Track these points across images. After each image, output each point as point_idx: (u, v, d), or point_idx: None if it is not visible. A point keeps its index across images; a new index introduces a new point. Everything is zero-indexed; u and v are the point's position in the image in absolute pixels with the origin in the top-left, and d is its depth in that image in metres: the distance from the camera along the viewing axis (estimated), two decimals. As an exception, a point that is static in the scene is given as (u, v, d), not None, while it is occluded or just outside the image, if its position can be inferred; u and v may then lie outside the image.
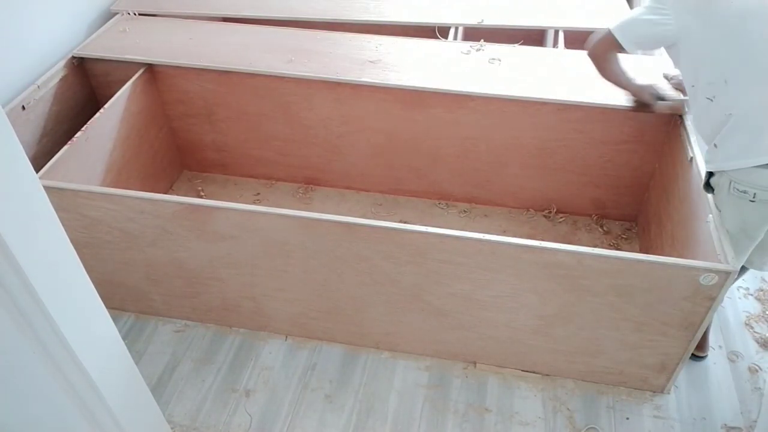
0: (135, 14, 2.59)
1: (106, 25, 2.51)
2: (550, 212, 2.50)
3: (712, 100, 1.56)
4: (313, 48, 2.34)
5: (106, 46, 2.37)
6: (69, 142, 1.99)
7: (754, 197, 1.53)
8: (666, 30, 1.62)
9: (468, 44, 2.38)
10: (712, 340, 2.05)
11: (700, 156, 1.87)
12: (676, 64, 1.71)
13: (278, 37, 2.43)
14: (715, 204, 1.66)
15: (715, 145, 1.58)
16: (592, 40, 1.79)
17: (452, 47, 2.39)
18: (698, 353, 1.99)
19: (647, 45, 1.75)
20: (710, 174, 1.63)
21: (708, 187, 1.66)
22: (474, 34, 2.61)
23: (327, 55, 2.32)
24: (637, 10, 1.71)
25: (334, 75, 2.21)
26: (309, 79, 2.23)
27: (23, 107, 2.13)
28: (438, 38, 2.50)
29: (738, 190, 1.55)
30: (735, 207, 1.59)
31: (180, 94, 2.42)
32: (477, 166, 2.40)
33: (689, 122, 2.01)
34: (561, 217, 2.49)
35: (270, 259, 1.82)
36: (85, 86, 2.43)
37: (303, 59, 2.28)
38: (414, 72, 2.23)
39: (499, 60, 2.28)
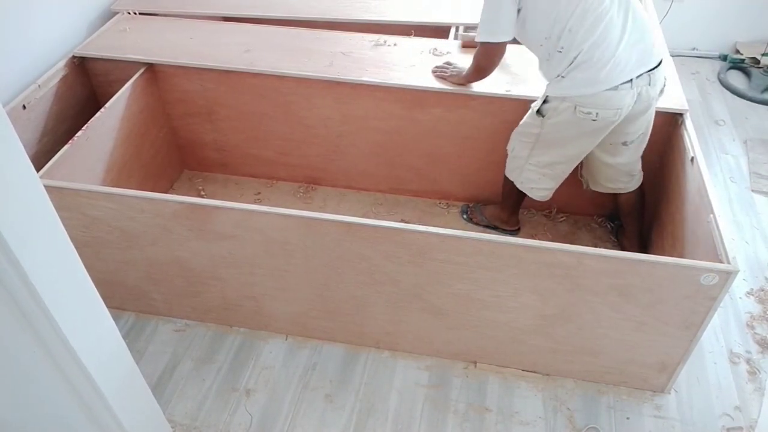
0: (135, 14, 2.59)
1: (107, 24, 2.51)
2: (550, 212, 2.50)
3: (561, 51, 1.79)
4: (314, 47, 2.34)
5: (106, 46, 2.37)
6: (69, 141, 1.99)
7: (596, 116, 1.81)
8: (514, 6, 1.81)
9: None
10: (713, 340, 2.05)
11: (700, 156, 1.87)
12: (522, 32, 1.88)
13: (279, 37, 2.43)
14: (541, 133, 1.94)
15: (562, 77, 1.82)
16: (479, 62, 2.00)
17: (451, 45, 2.39)
18: (506, 227, 2.35)
19: (513, 28, 1.87)
20: (545, 101, 1.88)
21: (539, 113, 1.91)
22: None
23: (327, 54, 2.32)
24: (483, 11, 1.85)
25: (334, 75, 2.21)
26: (309, 78, 2.23)
27: (24, 106, 2.13)
28: (439, 37, 2.50)
29: (583, 112, 1.81)
30: (577, 126, 1.86)
31: (180, 93, 2.42)
32: (478, 166, 2.40)
33: (689, 122, 2.02)
34: (561, 217, 2.49)
35: (270, 258, 1.82)
36: (86, 86, 2.44)
37: (303, 58, 2.28)
38: (414, 71, 2.23)
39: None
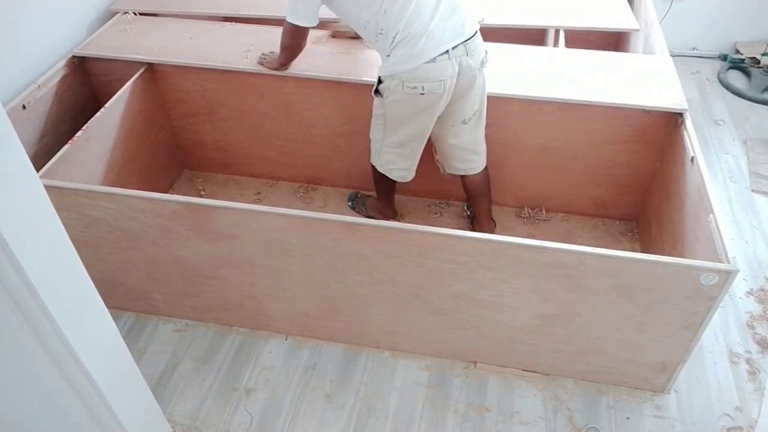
0: (135, 14, 2.59)
1: (107, 24, 2.51)
2: (550, 211, 2.50)
3: (382, 33, 1.88)
4: (313, 48, 2.34)
5: (106, 46, 2.37)
6: (69, 141, 1.99)
7: (423, 90, 1.87)
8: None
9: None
10: (713, 340, 2.05)
11: (700, 156, 1.87)
12: (345, 19, 2.00)
13: (278, 37, 2.43)
14: (386, 114, 2.00)
15: (388, 56, 1.90)
16: (285, 41, 2.10)
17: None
18: (385, 217, 2.40)
19: (315, 17, 1.99)
20: (380, 81, 1.95)
21: (377, 92, 1.98)
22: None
23: (326, 54, 2.31)
24: None
25: (334, 75, 2.21)
26: (310, 78, 2.23)
27: (24, 106, 2.13)
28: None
29: (410, 87, 1.88)
30: (410, 103, 1.92)
31: (181, 93, 2.42)
32: (477, 166, 2.40)
33: (689, 122, 2.02)
34: (562, 217, 2.49)
35: (271, 258, 1.82)
36: (86, 85, 2.44)
37: (303, 58, 2.27)
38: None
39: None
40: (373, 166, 2.22)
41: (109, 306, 1.28)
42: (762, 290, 2.22)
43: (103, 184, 2.12)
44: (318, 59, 2.28)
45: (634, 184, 2.31)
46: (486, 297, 1.76)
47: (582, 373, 1.93)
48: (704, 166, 1.82)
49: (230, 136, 2.54)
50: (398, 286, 1.80)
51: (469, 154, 2.16)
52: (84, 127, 2.05)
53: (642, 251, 2.29)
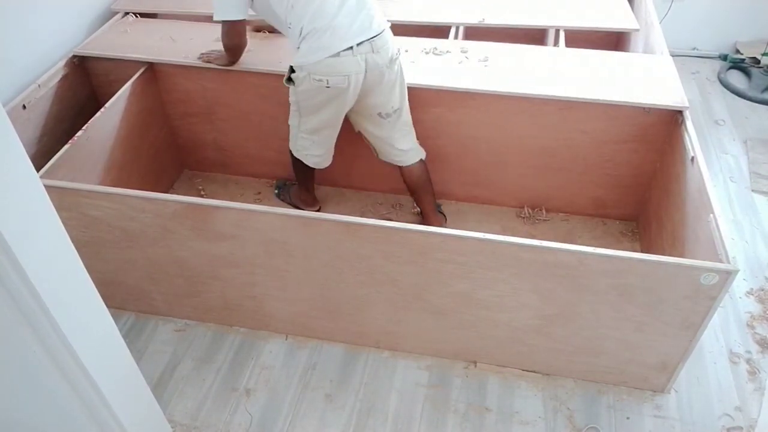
0: (136, 15, 2.59)
1: (107, 24, 2.51)
2: (550, 211, 2.50)
3: (291, 27, 1.95)
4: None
5: (106, 45, 2.37)
6: (70, 141, 1.99)
7: (328, 83, 1.92)
8: None
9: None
10: (713, 340, 2.05)
11: (700, 155, 1.87)
12: (261, 13, 2.07)
13: (279, 37, 2.43)
14: (298, 101, 2.05)
15: (298, 48, 1.96)
16: (224, 41, 2.14)
17: (451, 44, 2.39)
18: (306, 207, 2.46)
19: (244, 8, 2.04)
20: (292, 70, 1.98)
21: (290, 80, 2.01)
22: (475, 32, 2.61)
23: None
24: None
25: None
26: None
27: (24, 106, 2.13)
28: (439, 37, 2.50)
29: (315, 79, 1.93)
30: (319, 93, 1.97)
31: (181, 93, 2.42)
32: (478, 165, 2.40)
33: (689, 121, 2.02)
34: (562, 217, 2.49)
35: (270, 258, 1.82)
36: (86, 85, 2.44)
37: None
38: (414, 71, 2.22)
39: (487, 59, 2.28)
40: (291, 153, 2.26)
41: (109, 306, 1.28)
42: (762, 290, 2.22)
43: (103, 184, 2.12)
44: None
45: (635, 183, 2.31)
46: (486, 297, 1.76)
47: (582, 373, 1.93)
48: (704, 166, 1.82)
49: (230, 136, 2.53)
50: (398, 286, 1.80)
51: (391, 148, 2.19)
52: (84, 127, 2.05)
53: (642, 251, 2.29)
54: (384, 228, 1.66)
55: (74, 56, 2.35)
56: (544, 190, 2.43)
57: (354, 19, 1.90)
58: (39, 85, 2.20)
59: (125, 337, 1.73)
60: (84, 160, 2.04)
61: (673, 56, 2.33)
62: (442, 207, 2.52)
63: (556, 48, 2.41)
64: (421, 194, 2.33)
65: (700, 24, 3.44)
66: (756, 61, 3.39)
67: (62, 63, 2.31)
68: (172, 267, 1.94)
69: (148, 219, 1.80)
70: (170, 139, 2.58)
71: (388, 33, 1.98)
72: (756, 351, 2.03)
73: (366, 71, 1.94)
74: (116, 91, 2.22)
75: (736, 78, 3.36)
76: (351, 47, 1.89)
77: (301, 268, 1.83)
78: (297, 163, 2.29)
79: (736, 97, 3.23)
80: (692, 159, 1.89)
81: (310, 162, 2.25)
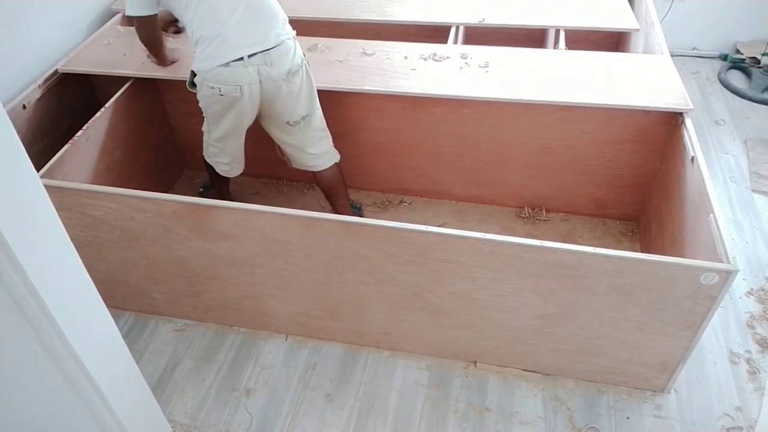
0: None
1: (106, 25, 2.51)
2: (550, 211, 2.50)
3: (186, 30, 1.94)
4: (312, 57, 2.31)
5: (90, 62, 2.36)
6: (70, 141, 1.99)
7: (221, 91, 1.90)
8: None
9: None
10: (713, 340, 2.05)
11: (701, 155, 1.87)
12: (170, 12, 2.05)
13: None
14: (202, 107, 2.02)
15: (194, 52, 1.93)
16: (139, 37, 2.09)
17: (450, 49, 2.38)
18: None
19: (153, 3, 1.98)
20: (194, 74, 1.96)
21: (192, 84, 2.00)
22: (475, 33, 2.61)
23: (326, 63, 2.30)
24: None
25: (335, 84, 2.19)
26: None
27: (24, 106, 2.13)
28: (438, 37, 2.50)
29: (209, 86, 1.91)
30: (215, 100, 1.95)
31: (180, 93, 2.41)
32: (478, 166, 2.40)
33: (689, 121, 2.01)
34: (562, 217, 2.49)
35: (270, 258, 1.82)
36: (86, 85, 2.43)
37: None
38: (414, 77, 2.21)
39: (487, 64, 2.28)
40: (203, 158, 2.25)
41: (109, 306, 1.28)
42: (762, 290, 2.22)
43: (103, 183, 2.12)
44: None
45: (635, 184, 2.31)
46: (486, 297, 1.76)
47: (582, 373, 1.93)
48: (704, 166, 1.82)
49: (230, 136, 2.53)
50: (398, 285, 1.80)
51: (303, 154, 2.17)
52: (84, 127, 2.05)
53: (642, 251, 2.29)
54: (384, 228, 1.66)
55: (56, 71, 2.27)
56: (544, 190, 2.43)
57: (248, 28, 1.86)
58: (39, 86, 2.20)
59: (125, 336, 1.73)
60: (84, 160, 2.04)
61: (673, 56, 2.33)
62: (361, 207, 2.53)
63: (556, 51, 2.41)
64: (335, 197, 2.31)
65: (700, 24, 3.44)
66: (756, 61, 3.39)
67: (62, 63, 2.31)
68: (172, 267, 1.94)
69: (148, 219, 1.80)
70: (170, 138, 2.58)
71: (289, 45, 1.93)
72: (756, 351, 2.03)
73: (260, 81, 1.90)
74: (116, 92, 2.22)
75: (737, 78, 3.36)
76: (242, 58, 1.84)
77: (301, 267, 1.83)
78: (210, 168, 2.27)
79: (737, 97, 3.23)
80: (692, 159, 1.88)
81: (219, 170, 2.22)
